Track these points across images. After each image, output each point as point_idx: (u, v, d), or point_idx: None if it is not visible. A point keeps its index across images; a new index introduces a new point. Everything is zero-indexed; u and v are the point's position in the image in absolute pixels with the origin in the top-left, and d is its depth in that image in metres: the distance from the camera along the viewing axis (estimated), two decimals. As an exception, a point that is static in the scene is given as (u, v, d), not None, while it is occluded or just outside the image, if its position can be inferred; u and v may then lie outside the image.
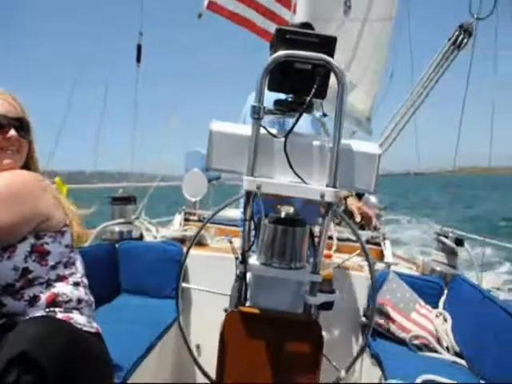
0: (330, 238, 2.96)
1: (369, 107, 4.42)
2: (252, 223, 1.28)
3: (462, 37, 2.70)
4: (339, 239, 3.13)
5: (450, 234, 2.70)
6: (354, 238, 3.36)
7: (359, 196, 3.95)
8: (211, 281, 1.68)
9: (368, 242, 3.99)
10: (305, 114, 1.20)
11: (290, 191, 1.20)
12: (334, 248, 2.94)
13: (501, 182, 61.01)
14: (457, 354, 2.04)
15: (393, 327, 2.19)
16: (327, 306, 1.50)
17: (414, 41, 4.90)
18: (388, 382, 1.66)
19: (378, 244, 3.85)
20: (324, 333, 1.29)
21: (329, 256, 2.19)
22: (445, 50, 2.75)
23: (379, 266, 2.87)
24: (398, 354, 2.05)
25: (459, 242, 2.68)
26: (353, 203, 3.01)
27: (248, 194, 1.20)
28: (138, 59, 3.66)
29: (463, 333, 2.04)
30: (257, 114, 1.15)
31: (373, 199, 4.53)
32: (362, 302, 2.41)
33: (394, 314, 2.20)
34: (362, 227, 4.22)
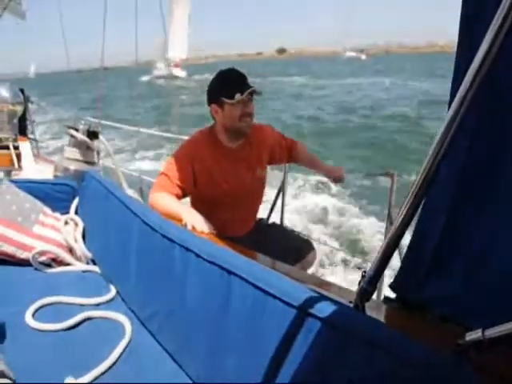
0: None
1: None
2: None
3: None
4: None
5: (81, 126, 2.31)
6: None
7: None
8: None
9: None
10: None
11: None
12: None
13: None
14: (92, 261, 1.83)
15: (11, 248, 1.73)
16: None
17: None
18: None
19: (8, 147, 3.19)
20: None
21: None
22: None
23: None
24: (20, 280, 1.65)
25: (92, 134, 2.36)
26: None
27: None
28: None
29: (94, 236, 1.81)
30: None
31: (4, 92, 3.69)
32: None
33: (10, 233, 1.73)
34: None
